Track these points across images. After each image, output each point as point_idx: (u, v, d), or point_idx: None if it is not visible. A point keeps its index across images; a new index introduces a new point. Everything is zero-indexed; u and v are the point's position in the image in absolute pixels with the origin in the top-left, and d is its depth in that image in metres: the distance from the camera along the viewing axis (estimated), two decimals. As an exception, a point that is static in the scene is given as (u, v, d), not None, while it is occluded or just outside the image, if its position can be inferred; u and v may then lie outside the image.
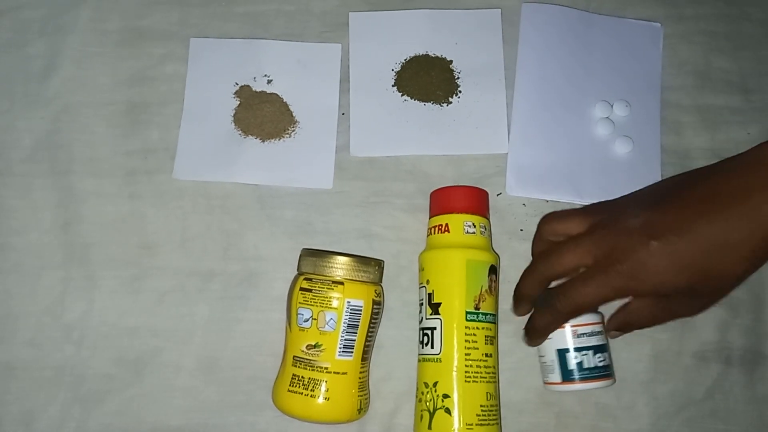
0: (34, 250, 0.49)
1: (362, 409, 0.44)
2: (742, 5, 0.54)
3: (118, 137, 0.51)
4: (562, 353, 0.43)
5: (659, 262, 0.38)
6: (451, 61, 0.53)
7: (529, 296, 0.44)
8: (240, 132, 0.51)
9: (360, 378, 0.44)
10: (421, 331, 0.44)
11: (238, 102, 0.52)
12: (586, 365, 0.43)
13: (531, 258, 0.47)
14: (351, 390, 0.43)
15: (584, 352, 0.43)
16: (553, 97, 0.52)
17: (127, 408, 0.46)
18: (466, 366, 0.42)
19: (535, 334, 0.44)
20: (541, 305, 0.43)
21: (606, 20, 0.54)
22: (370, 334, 0.44)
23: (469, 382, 0.42)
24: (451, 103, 0.52)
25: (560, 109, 0.52)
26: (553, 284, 0.43)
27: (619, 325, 0.44)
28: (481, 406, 0.42)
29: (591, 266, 0.40)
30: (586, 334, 0.43)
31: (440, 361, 0.43)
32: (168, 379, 0.47)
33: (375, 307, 0.44)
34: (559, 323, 0.43)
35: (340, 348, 0.42)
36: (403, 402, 0.46)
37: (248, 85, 0.52)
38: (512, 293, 0.46)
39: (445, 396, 0.42)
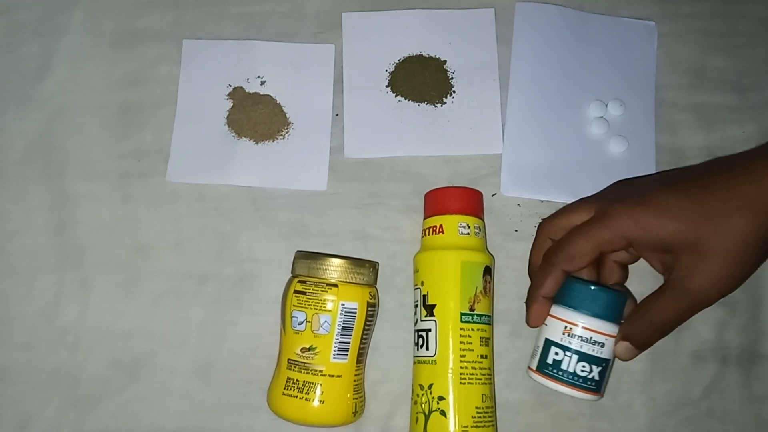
0: (27, 253, 0.49)
1: (357, 412, 0.44)
2: (737, 3, 0.54)
3: (111, 139, 0.51)
4: (548, 344, 0.42)
5: (661, 198, 0.37)
6: (445, 61, 0.53)
7: (550, 296, 0.42)
8: (233, 134, 0.51)
9: (355, 381, 0.43)
10: (416, 333, 0.44)
11: (232, 103, 0.52)
12: (564, 366, 0.41)
13: (527, 261, 0.46)
14: (346, 393, 0.43)
15: (568, 353, 0.41)
16: (547, 96, 0.52)
17: (122, 411, 0.46)
18: (461, 367, 0.42)
19: (529, 297, 0.42)
20: (540, 265, 0.43)
21: (600, 19, 0.54)
22: (365, 336, 0.44)
23: (464, 383, 0.42)
24: (445, 103, 0.52)
25: (555, 109, 0.51)
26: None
27: (626, 332, 0.40)
28: (477, 408, 0.42)
29: (592, 216, 0.40)
30: (581, 337, 0.41)
31: (435, 363, 0.42)
32: (163, 382, 0.47)
33: (370, 309, 0.43)
34: (555, 277, 0.41)
35: (334, 351, 0.42)
36: (398, 404, 0.46)
37: (241, 87, 0.52)
38: (515, 304, 0.46)
39: (441, 398, 0.42)
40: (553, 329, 0.42)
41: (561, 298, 0.42)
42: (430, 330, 0.43)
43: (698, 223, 0.36)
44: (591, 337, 0.41)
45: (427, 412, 0.42)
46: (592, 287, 0.42)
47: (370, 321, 0.44)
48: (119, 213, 0.50)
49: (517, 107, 0.51)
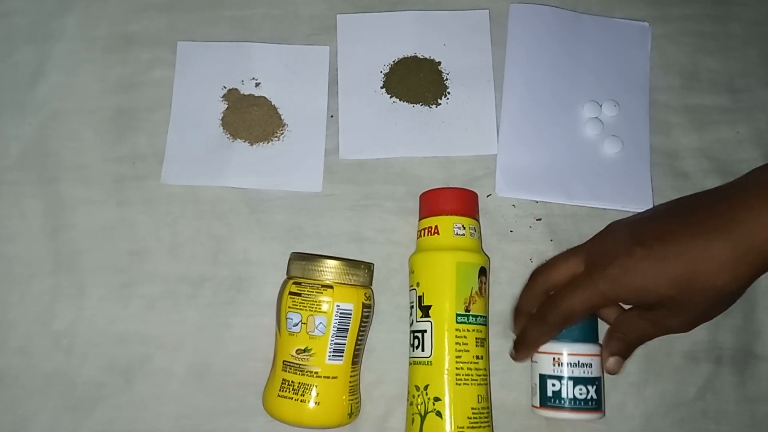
0: (23, 258, 0.49)
1: (353, 413, 0.44)
2: (729, 5, 0.54)
3: (106, 143, 0.51)
4: (543, 378, 0.44)
5: (642, 267, 0.39)
6: (439, 63, 0.53)
7: (527, 312, 0.45)
8: (228, 136, 0.51)
9: (350, 382, 0.43)
10: (412, 334, 0.44)
11: (226, 105, 0.52)
12: (564, 395, 0.43)
13: (522, 262, 0.48)
14: (341, 394, 0.43)
15: (565, 382, 0.43)
16: (541, 97, 0.52)
17: (118, 415, 0.46)
18: (457, 368, 0.42)
19: (523, 346, 0.44)
20: (534, 317, 0.43)
21: (594, 20, 0.54)
22: (360, 337, 0.44)
23: (460, 384, 0.42)
24: (439, 104, 0.52)
25: (549, 110, 0.52)
26: None
27: (611, 349, 0.43)
28: (473, 408, 0.42)
29: (580, 274, 0.41)
30: (569, 363, 0.43)
31: (431, 364, 0.43)
32: (159, 385, 0.46)
33: (365, 310, 0.43)
34: (549, 334, 0.43)
35: (330, 352, 0.42)
36: (394, 406, 0.46)
37: (236, 89, 0.52)
38: (510, 305, 0.47)
39: (436, 399, 0.42)
40: (544, 364, 0.44)
41: None
42: (425, 331, 0.43)
43: (675, 290, 0.38)
44: (579, 361, 0.43)
45: (422, 413, 0.42)
46: None
47: (366, 322, 0.44)
48: (114, 217, 0.50)
49: (511, 108, 0.52)
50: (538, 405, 0.44)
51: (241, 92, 0.52)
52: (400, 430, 0.45)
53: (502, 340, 0.47)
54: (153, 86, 0.52)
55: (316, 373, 0.42)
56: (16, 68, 0.53)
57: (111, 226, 0.49)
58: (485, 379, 0.43)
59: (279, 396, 0.42)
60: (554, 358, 0.43)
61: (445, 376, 0.42)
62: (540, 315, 0.43)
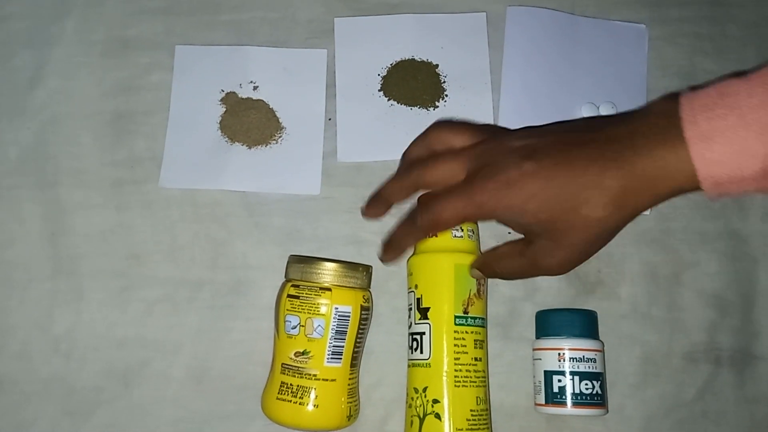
0: (21, 263, 0.49)
1: (352, 416, 0.44)
2: (726, 7, 0.55)
3: (104, 147, 0.51)
4: (548, 375, 0.44)
5: (528, 183, 0.37)
6: (437, 66, 0.53)
7: (388, 199, 0.43)
8: (226, 139, 0.51)
9: (349, 385, 0.43)
10: (410, 336, 0.44)
11: (224, 109, 0.52)
12: (570, 390, 0.43)
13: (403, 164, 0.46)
14: (340, 397, 0.43)
15: (570, 377, 0.43)
16: (539, 99, 0.52)
17: (116, 420, 0.46)
18: (456, 370, 0.42)
19: (390, 247, 0.43)
20: (403, 219, 0.42)
21: (591, 22, 0.54)
22: (358, 340, 0.44)
23: (458, 386, 0.42)
24: (437, 107, 0.52)
25: (546, 112, 0.52)
26: None
27: (481, 265, 0.42)
28: (471, 410, 0.42)
29: (463, 180, 0.39)
30: (575, 359, 0.43)
31: (429, 366, 0.42)
32: (158, 390, 0.46)
33: (363, 313, 0.43)
34: (416, 237, 0.42)
35: (328, 355, 0.42)
36: (393, 409, 0.46)
37: (234, 92, 0.52)
38: (508, 307, 0.47)
39: (435, 401, 0.42)
40: (548, 360, 0.44)
41: (543, 331, 0.46)
42: (424, 333, 0.43)
43: (556, 215, 0.36)
44: (583, 356, 0.43)
45: (421, 416, 0.42)
46: (566, 313, 0.46)
47: (364, 325, 0.44)
48: (113, 221, 0.50)
49: (509, 110, 0.52)
50: (543, 402, 0.44)
51: (239, 96, 0.52)
52: (399, 432, 0.46)
53: (500, 342, 0.47)
54: (151, 90, 0.52)
55: (315, 375, 0.42)
56: (15, 73, 0.53)
57: (110, 230, 0.49)
58: (484, 381, 0.43)
59: (278, 399, 0.42)
60: (559, 354, 0.43)
61: (444, 378, 0.42)
62: (411, 217, 0.41)
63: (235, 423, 0.46)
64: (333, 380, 0.42)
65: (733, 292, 0.48)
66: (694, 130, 0.33)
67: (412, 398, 0.43)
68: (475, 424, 0.42)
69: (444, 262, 0.44)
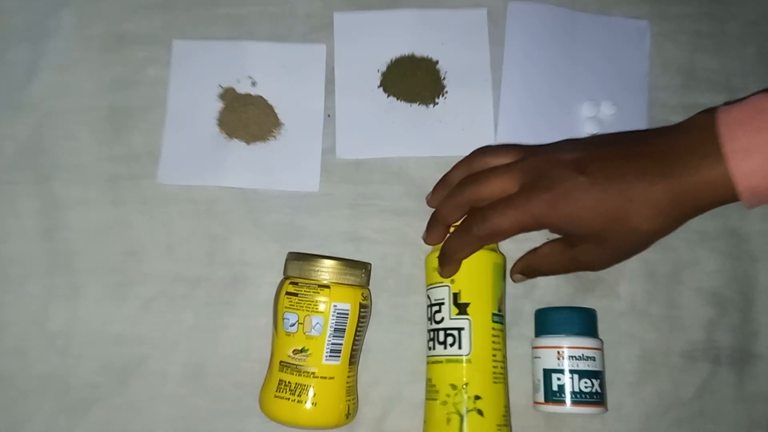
0: (17, 258, 0.48)
1: (350, 414, 0.43)
2: (726, 5, 0.54)
3: (101, 143, 0.51)
4: (547, 373, 0.44)
5: (581, 196, 0.39)
6: (437, 62, 0.52)
7: (446, 221, 0.44)
8: (224, 135, 0.51)
9: (348, 382, 0.43)
10: (441, 332, 0.43)
11: (223, 105, 0.51)
12: (569, 388, 0.43)
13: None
14: (338, 395, 0.43)
15: (570, 375, 0.43)
16: (539, 96, 0.52)
17: (113, 417, 0.46)
18: (494, 367, 0.42)
19: (447, 260, 0.43)
20: (457, 229, 0.43)
21: (592, 18, 0.54)
22: (357, 337, 0.43)
23: (496, 383, 0.42)
24: (437, 103, 0.52)
25: (547, 109, 0.51)
26: None
27: (524, 268, 0.45)
28: (505, 406, 0.43)
29: (516, 192, 0.41)
30: (574, 357, 0.43)
31: (470, 362, 0.42)
32: (154, 386, 0.46)
33: (362, 310, 0.43)
34: (473, 247, 0.43)
35: (327, 352, 0.42)
36: (391, 407, 0.46)
37: (232, 88, 0.52)
38: (515, 305, 0.47)
39: (477, 397, 0.41)
40: (547, 358, 0.44)
41: (542, 329, 0.46)
42: (463, 329, 0.42)
43: (607, 225, 0.39)
44: (583, 354, 0.43)
45: (462, 412, 0.41)
46: (565, 311, 0.46)
47: (363, 322, 0.44)
48: (109, 216, 0.49)
49: (509, 107, 0.51)
50: (542, 401, 0.44)
51: (238, 91, 0.52)
52: (397, 430, 0.45)
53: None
54: (148, 85, 0.52)
55: (313, 373, 0.42)
56: (11, 67, 0.52)
57: (106, 225, 0.49)
58: (506, 377, 0.44)
59: (276, 396, 0.42)
60: (558, 352, 0.43)
61: (485, 375, 0.42)
62: (465, 226, 0.42)
63: (232, 420, 0.46)
64: (331, 378, 0.42)
65: (733, 291, 0.48)
66: (732, 145, 0.36)
67: (448, 395, 0.42)
68: (507, 420, 0.43)
69: (485, 260, 0.44)
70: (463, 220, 0.43)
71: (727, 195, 0.37)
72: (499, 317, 0.43)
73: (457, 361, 0.42)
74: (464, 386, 0.42)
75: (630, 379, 0.47)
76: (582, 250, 0.42)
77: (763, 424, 0.46)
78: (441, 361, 0.43)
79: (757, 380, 0.47)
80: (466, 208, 0.43)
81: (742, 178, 0.36)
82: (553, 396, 0.43)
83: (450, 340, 0.43)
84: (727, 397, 0.47)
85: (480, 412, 0.41)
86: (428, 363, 0.44)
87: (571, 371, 0.43)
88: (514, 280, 0.46)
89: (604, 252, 0.41)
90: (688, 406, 0.46)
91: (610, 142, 0.42)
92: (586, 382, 0.43)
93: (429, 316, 0.45)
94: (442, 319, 0.43)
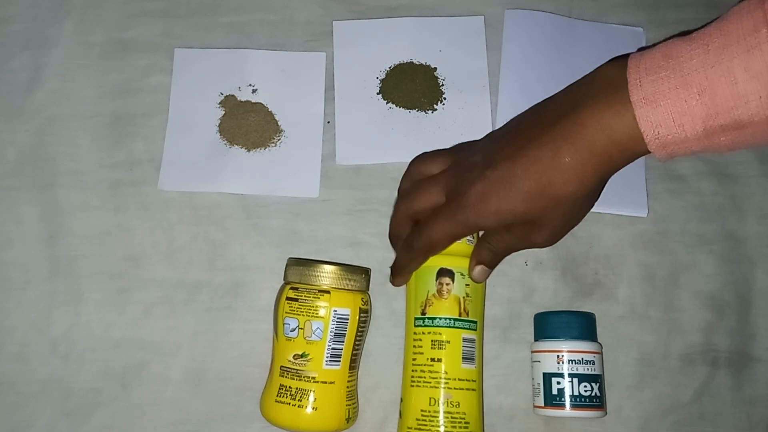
0: (19, 264, 0.49)
1: (351, 418, 0.44)
2: (722, 10, 0.54)
3: (102, 149, 0.51)
4: (547, 377, 0.44)
5: (496, 190, 0.39)
6: (435, 69, 0.53)
7: (397, 237, 0.45)
8: (225, 142, 0.51)
9: (348, 387, 0.43)
10: None
11: (223, 112, 0.52)
12: (569, 392, 0.43)
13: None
14: (339, 399, 0.43)
15: (569, 379, 0.43)
16: (536, 101, 0.52)
17: (114, 422, 0.46)
18: (412, 370, 0.43)
19: (396, 273, 0.45)
20: (403, 244, 0.44)
21: (588, 25, 0.54)
22: (357, 342, 0.44)
23: (413, 386, 0.43)
24: (435, 110, 0.52)
25: (544, 115, 0.52)
26: None
27: (478, 257, 0.43)
28: (422, 410, 0.42)
29: (444, 203, 0.42)
30: (574, 361, 0.43)
31: (402, 366, 0.45)
32: (155, 391, 0.46)
33: (362, 315, 0.44)
34: (418, 261, 0.44)
35: (327, 357, 0.42)
36: (392, 411, 0.46)
37: (233, 95, 0.52)
38: (506, 309, 0.48)
39: (401, 400, 0.44)
40: (547, 362, 0.44)
41: (541, 333, 0.46)
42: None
43: (529, 205, 0.38)
44: (582, 358, 0.43)
45: (400, 414, 0.44)
46: (565, 315, 0.46)
47: (363, 327, 0.44)
48: (111, 223, 0.50)
49: (507, 113, 0.52)
50: (542, 405, 0.44)
51: (238, 98, 0.52)
52: (397, 434, 0.46)
53: (498, 344, 0.47)
54: (150, 92, 0.52)
55: (314, 378, 0.42)
56: (13, 74, 0.53)
57: (107, 231, 0.49)
58: (439, 382, 0.42)
59: (276, 401, 0.42)
60: (557, 356, 0.44)
61: (403, 378, 0.44)
62: (407, 243, 0.44)
63: (233, 425, 0.46)
64: (332, 383, 0.42)
65: (730, 294, 0.49)
66: (639, 94, 0.34)
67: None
68: (425, 425, 0.42)
69: None
70: (406, 237, 0.44)
71: (637, 147, 0.35)
72: (423, 320, 0.44)
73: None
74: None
75: (629, 382, 0.47)
76: (523, 230, 0.41)
77: (762, 426, 0.47)
78: None
79: (755, 383, 0.47)
80: (408, 221, 0.44)
81: (649, 128, 0.34)
82: (553, 400, 0.43)
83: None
84: (726, 399, 0.47)
85: (400, 414, 0.44)
86: None
87: (571, 375, 0.43)
88: (474, 277, 0.44)
89: (543, 229, 0.40)
90: (687, 409, 0.47)
91: (515, 122, 0.41)
92: (585, 386, 0.43)
93: None
94: None
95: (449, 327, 0.43)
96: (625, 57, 0.37)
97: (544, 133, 0.38)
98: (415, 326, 0.44)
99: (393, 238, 0.47)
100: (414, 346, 0.44)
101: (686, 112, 0.34)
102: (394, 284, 0.46)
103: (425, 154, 0.47)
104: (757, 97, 0.33)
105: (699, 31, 0.35)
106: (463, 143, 0.47)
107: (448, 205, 0.41)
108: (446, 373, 0.42)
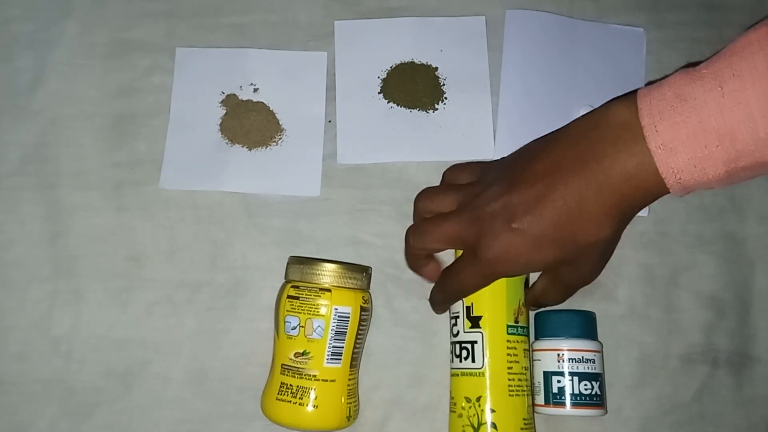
0: (21, 264, 0.49)
1: (351, 416, 0.44)
2: (723, 11, 0.55)
3: (105, 149, 0.51)
4: (548, 375, 0.44)
5: (522, 243, 0.38)
6: (436, 68, 0.53)
7: (416, 268, 0.46)
8: (227, 141, 0.51)
9: (349, 385, 0.44)
10: (458, 345, 0.44)
11: (225, 111, 0.52)
12: (569, 391, 0.43)
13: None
14: (340, 397, 0.43)
15: (570, 377, 0.43)
16: (537, 102, 0.52)
17: (116, 421, 0.46)
18: (509, 379, 0.42)
19: (435, 306, 0.46)
20: (435, 286, 0.45)
21: (589, 26, 0.54)
22: (358, 341, 0.44)
23: (512, 395, 0.42)
24: (437, 109, 0.52)
25: (545, 115, 0.52)
26: None
27: (532, 304, 0.45)
28: (524, 419, 0.42)
29: (465, 252, 0.42)
30: (574, 359, 0.43)
31: (483, 375, 0.42)
32: (157, 391, 0.46)
33: (363, 313, 0.44)
34: (452, 301, 0.44)
35: (328, 355, 0.42)
36: (393, 410, 0.46)
37: (234, 94, 0.52)
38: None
39: (492, 410, 0.41)
40: (547, 361, 0.44)
41: (542, 332, 0.46)
42: (476, 342, 0.43)
43: (561, 253, 0.39)
44: (582, 357, 0.44)
45: (476, 425, 0.41)
46: (565, 314, 0.46)
47: (364, 325, 0.44)
48: (113, 222, 0.50)
49: (508, 113, 0.52)
50: (542, 403, 0.44)
51: (240, 98, 0.52)
52: (398, 433, 0.46)
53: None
54: (152, 92, 0.52)
55: (315, 376, 0.42)
56: (16, 74, 0.53)
57: (110, 231, 0.49)
58: (530, 388, 0.44)
59: (277, 399, 0.42)
60: (558, 355, 0.44)
61: (499, 388, 0.42)
62: (441, 285, 0.45)
63: (234, 424, 0.46)
64: (333, 381, 0.42)
65: (730, 294, 0.49)
66: (656, 140, 0.34)
67: (464, 408, 0.42)
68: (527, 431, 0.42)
69: None
70: (437, 283, 0.45)
71: (660, 190, 0.36)
72: (515, 329, 0.43)
73: (471, 374, 0.42)
74: (477, 399, 0.42)
75: (629, 381, 0.47)
76: (562, 274, 0.41)
77: (761, 426, 0.47)
78: (458, 374, 0.43)
79: (756, 383, 0.47)
80: (422, 257, 0.45)
81: (671, 175, 0.35)
82: (553, 398, 0.44)
83: (464, 353, 0.43)
84: (726, 399, 0.47)
85: (494, 426, 0.41)
86: (450, 375, 0.45)
87: (571, 374, 0.43)
88: (531, 310, 0.46)
89: (579, 270, 0.41)
90: (687, 409, 0.47)
91: (525, 163, 0.40)
92: (585, 385, 0.43)
93: (450, 328, 0.45)
94: (458, 332, 0.44)
95: (528, 336, 0.45)
96: (633, 94, 0.37)
97: (567, 184, 0.37)
98: (509, 334, 0.43)
99: (412, 268, 0.47)
100: (509, 355, 0.42)
101: (707, 157, 0.34)
102: (436, 312, 0.47)
103: (430, 190, 0.46)
104: None
105: (709, 68, 0.34)
106: (465, 170, 0.46)
107: (474, 256, 0.40)
108: (530, 380, 0.44)
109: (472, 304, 0.43)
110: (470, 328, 0.43)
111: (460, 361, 0.43)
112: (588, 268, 0.41)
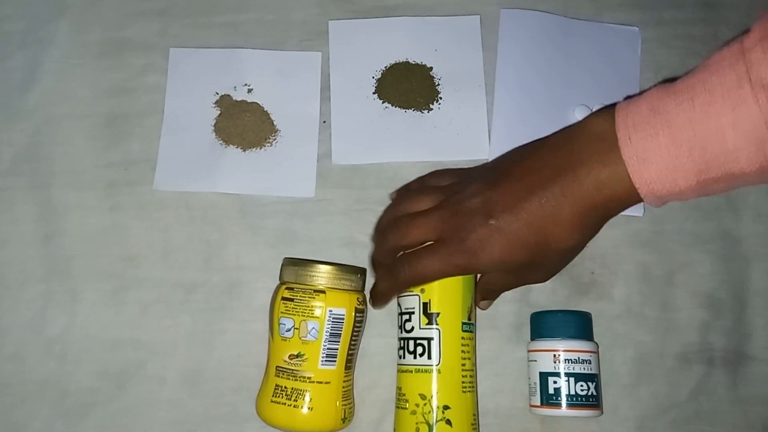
0: (15, 264, 0.49)
1: (346, 418, 0.44)
2: (718, 9, 0.55)
3: (98, 149, 0.51)
4: (544, 376, 0.44)
5: (497, 240, 0.39)
6: (431, 68, 0.53)
7: (383, 265, 0.45)
8: (221, 141, 0.51)
9: (344, 387, 0.43)
10: (413, 341, 0.43)
11: (219, 111, 0.52)
12: (565, 391, 0.43)
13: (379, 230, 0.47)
14: (335, 399, 0.43)
15: (566, 378, 0.43)
16: (532, 101, 0.52)
17: (110, 422, 0.46)
18: (463, 376, 0.42)
19: (376, 298, 0.45)
20: (386, 271, 0.44)
21: (584, 25, 0.54)
22: (353, 342, 0.44)
23: (465, 392, 0.42)
24: (431, 109, 0.52)
25: (540, 114, 0.52)
26: None
27: (483, 294, 0.46)
28: (474, 415, 0.43)
29: (437, 241, 0.42)
30: (570, 360, 0.43)
31: (439, 372, 0.42)
32: (152, 391, 0.46)
33: (358, 315, 0.44)
34: (399, 290, 0.44)
35: (322, 357, 0.42)
36: (388, 411, 0.46)
37: (228, 95, 0.52)
38: (500, 309, 0.47)
39: (446, 407, 0.42)
40: (543, 362, 0.44)
41: (538, 332, 0.46)
42: (432, 338, 0.43)
43: (534, 252, 0.40)
44: (579, 357, 0.43)
45: (431, 422, 0.41)
46: (561, 315, 0.46)
47: (358, 327, 0.44)
48: (107, 222, 0.50)
49: (502, 112, 0.52)
50: (538, 404, 0.44)
51: (234, 98, 0.52)
52: (393, 434, 0.46)
53: (496, 345, 0.47)
54: (145, 92, 0.52)
55: (309, 378, 0.42)
56: (9, 74, 0.53)
57: (103, 231, 0.49)
58: (476, 387, 0.44)
59: (272, 401, 0.42)
60: (554, 356, 0.44)
61: (454, 385, 0.42)
62: (393, 271, 0.43)
63: (229, 425, 0.46)
64: (327, 383, 0.42)
65: (726, 293, 0.49)
66: (630, 151, 0.36)
67: (417, 405, 0.42)
68: (476, 428, 0.43)
69: None
70: (391, 264, 0.44)
71: (633, 199, 0.37)
72: (468, 326, 0.43)
73: (426, 371, 0.42)
74: (432, 396, 0.42)
75: (625, 381, 0.47)
76: (518, 275, 0.43)
77: (758, 425, 0.47)
78: (411, 371, 0.43)
79: (752, 382, 0.47)
80: (396, 252, 0.44)
81: (643, 185, 0.36)
82: (549, 399, 0.43)
83: (419, 349, 0.43)
84: (722, 398, 0.47)
85: (449, 422, 0.41)
86: (398, 371, 0.44)
87: (567, 374, 0.43)
88: (480, 307, 0.46)
89: (540, 271, 0.43)
90: (684, 408, 0.47)
91: (506, 166, 0.42)
92: (581, 385, 0.43)
93: (399, 324, 0.45)
94: (412, 328, 0.44)
95: (475, 333, 0.45)
96: (612, 107, 0.38)
97: (545, 189, 0.38)
98: (463, 331, 0.43)
99: (377, 266, 0.46)
100: (462, 352, 0.43)
101: (678, 168, 0.35)
102: (375, 308, 0.46)
103: (410, 193, 0.46)
104: (746, 153, 0.33)
105: (683, 82, 0.36)
106: (447, 174, 0.47)
107: (445, 246, 0.41)
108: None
109: (429, 300, 0.43)
110: (427, 324, 0.43)
111: (414, 358, 0.43)
112: (547, 271, 0.44)
